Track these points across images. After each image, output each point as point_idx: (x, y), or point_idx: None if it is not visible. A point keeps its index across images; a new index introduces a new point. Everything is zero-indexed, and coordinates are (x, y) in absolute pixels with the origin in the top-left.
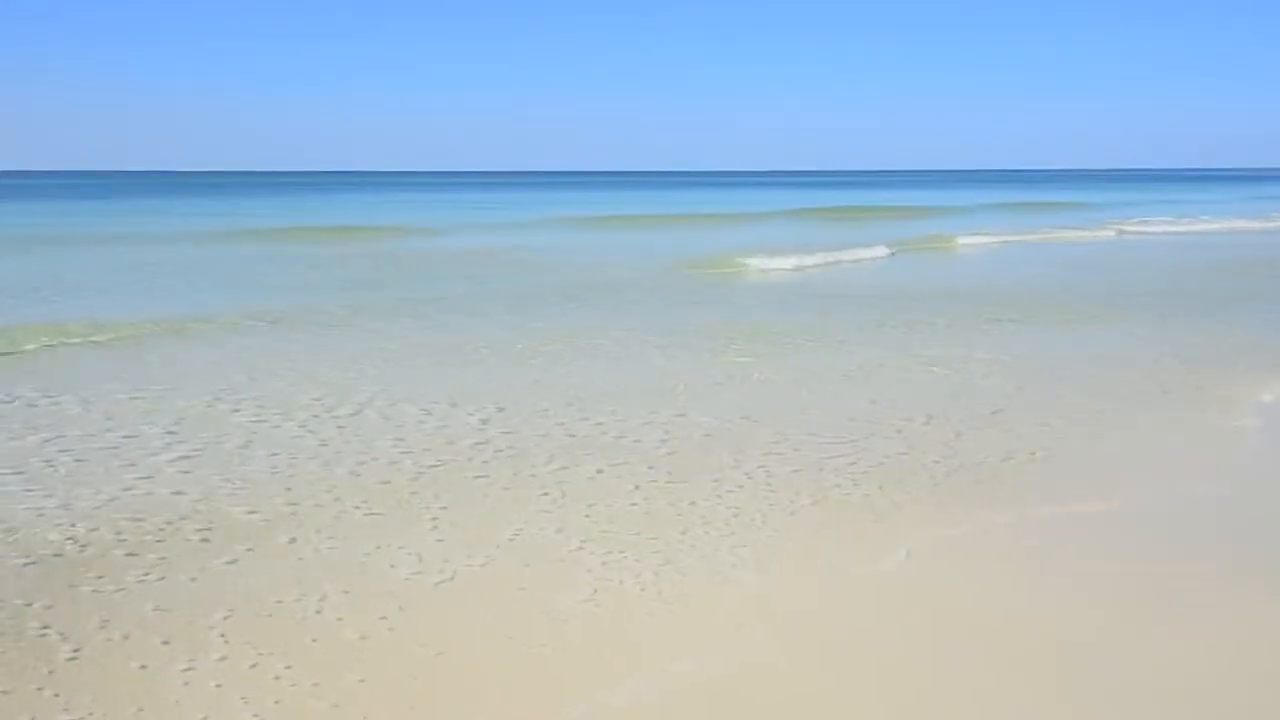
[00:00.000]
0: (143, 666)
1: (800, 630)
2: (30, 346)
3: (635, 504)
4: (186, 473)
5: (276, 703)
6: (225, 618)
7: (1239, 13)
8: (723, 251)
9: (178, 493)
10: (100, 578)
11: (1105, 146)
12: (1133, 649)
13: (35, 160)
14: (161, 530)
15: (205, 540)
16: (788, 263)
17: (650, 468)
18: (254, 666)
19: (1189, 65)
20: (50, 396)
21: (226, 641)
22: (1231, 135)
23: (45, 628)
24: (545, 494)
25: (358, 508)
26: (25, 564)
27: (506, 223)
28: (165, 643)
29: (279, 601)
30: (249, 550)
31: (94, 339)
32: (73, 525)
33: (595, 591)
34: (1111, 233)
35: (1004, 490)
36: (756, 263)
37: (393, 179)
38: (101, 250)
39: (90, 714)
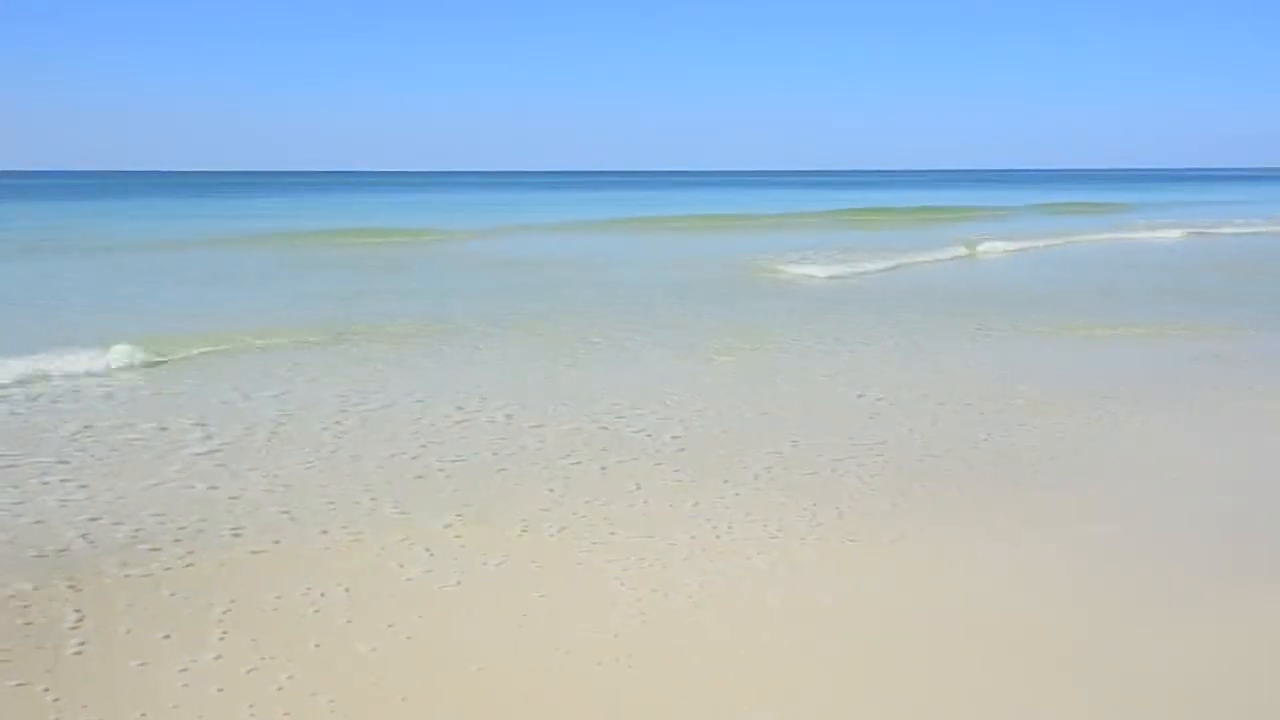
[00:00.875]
0: (142, 664)
1: (826, 637)
2: (59, 370)
3: (633, 505)
4: (221, 465)
5: (285, 715)
6: (226, 611)
7: (1239, 13)
8: (768, 255)
9: (213, 487)
10: (123, 564)
11: (1105, 146)
12: (1133, 649)
13: (35, 160)
14: (182, 529)
15: (236, 535)
16: (856, 267)
17: (657, 466)
18: (254, 670)
19: (1189, 65)
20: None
21: (236, 639)
22: (1231, 135)
23: (76, 611)
24: (565, 491)
25: (389, 503)
26: (38, 556)
27: (533, 225)
28: (166, 635)
29: (279, 598)
30: (276, 542)
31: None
32: (94, 519)
33: (639, 600)
34: (1180, 233)
35: (1014, 494)
36: (815, 270)
37: (393, 179)
38: (107, 256)
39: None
